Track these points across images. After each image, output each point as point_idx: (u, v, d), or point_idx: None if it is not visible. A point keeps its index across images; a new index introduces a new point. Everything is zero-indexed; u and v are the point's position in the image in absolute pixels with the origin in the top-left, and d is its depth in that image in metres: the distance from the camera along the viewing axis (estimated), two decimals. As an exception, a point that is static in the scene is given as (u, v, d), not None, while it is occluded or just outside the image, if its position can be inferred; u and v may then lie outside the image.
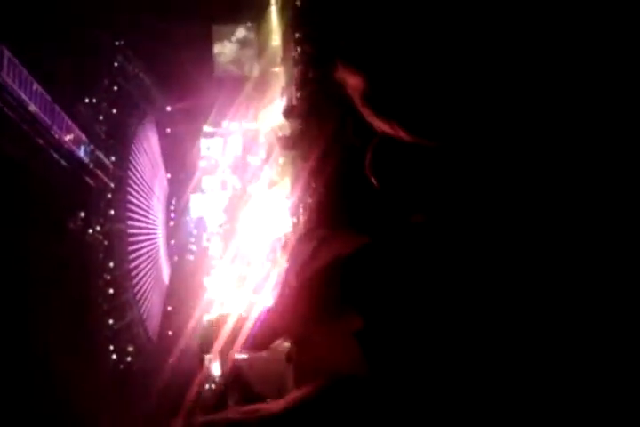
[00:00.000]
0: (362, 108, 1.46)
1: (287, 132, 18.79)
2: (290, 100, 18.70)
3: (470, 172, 1.45)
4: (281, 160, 22.67)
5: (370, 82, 1.40)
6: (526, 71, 1.36)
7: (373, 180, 1.53)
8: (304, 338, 1.80)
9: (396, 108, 1.41)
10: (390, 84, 1.40)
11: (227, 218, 29.58)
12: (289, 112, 16.40)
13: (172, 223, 32.91)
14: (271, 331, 1.79)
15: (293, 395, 1.40)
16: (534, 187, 1.38)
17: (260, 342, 1.82)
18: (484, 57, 1.35)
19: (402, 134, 1.42)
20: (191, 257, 31.36)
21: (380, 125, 1.46)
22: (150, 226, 31.05)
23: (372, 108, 1.43)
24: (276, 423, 1.33)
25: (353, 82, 1.43)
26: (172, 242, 32.70)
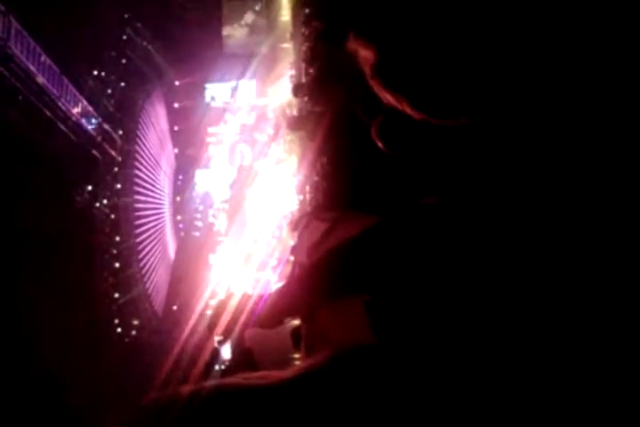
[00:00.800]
0: (371, 81, 1.46)
1: (295, 109, 18.74)
2: (299, 76, 18.61)
3: (476, 151, 1.43)
4: (288, 137, 22.63)
5: (381, 54, 1.40)
6: (534, 55, 1.33)
7: (380, 144, 1.55)
8: (312, 316, 1.82)
9: (404, 83, 1.40)
10: (401, 58, 1.38)
11: (232, 194, 29.63)
12: (298, 89, 16.31)
13: (178, 198, 32.95)
14: (282, 310, 1.79)
15: (301, 364, 1.42)
16: (539, 171, 1.36)
17: (270, 320, 1.82)
18: (494, 38, 1.32)
19: (408, 109, 1.41)
20: (197, 233, 31.45)
21: (389, 99, 1.45)
22: (157, 201, 31.11)
23: (382, 81, 1.42)
24: (284, 390, 1.34)
25: (364, 54, 1.43)
26: (179, 217, 32.78)
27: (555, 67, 1.33)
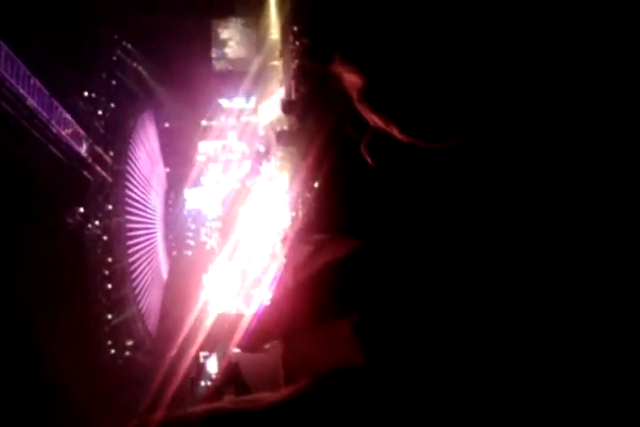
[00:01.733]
0: (358, 104, 1.46)
1: (285, 126, 18.78)
2: (289, 94, 18.67)
3: (462, 173, 1.44)
4: (280, 154, 22.65)
5: (367, 79, 1.40)
6: (521, 79, 1.34)
7: (369, 161, 1.54)
8: (295, 341, 1.81)
9: (391, 107, 1.40)
10: (387, 83, 1.39)
11: (225, 212, 29.57)
12: (288, 107, 16.35)
13: (170, 218, 32.88)
14: (265, 331, 1.78)
15: (289, 389, 1.40)
16: (528, 190, 1.36)
17: (253, 342, 1.81)
18: (480, 60, 1.33)
19: (396, 133, 1.41)
20: (189, 252, 31.32)
21: (376, 122, 1.45)
22: (149, 220, 31.03)
23: (369, 105, 1.43)
24: (272, 414, 1.33)
25: (350, 78, 1.43)
26: (171, 237, 32.68)
27: (537, 98, 1.34)
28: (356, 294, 1.55)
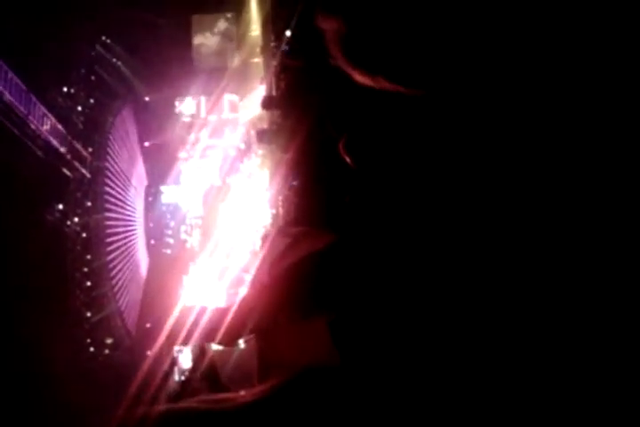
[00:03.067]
0: (339, 58, 1.44)
1: (266, 123, 18.74)
2: (269, 90, 18.62)
3: (441, 164, 1.43)
4: (260, 151, 22.61)
5: (348, 28, 1.38)
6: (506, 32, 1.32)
7: (347, 159, 1.54)
8: (269, 333, 1.79)
9: (375, 56, 1.38)
10: (368, 32, 1.37)
11: (205, 209, 29.48)
12: (268, 103, 16.28)
13: (149, 215, 32.71)
14: (240, 326, 1.76)
15: (260, 387, 1.39)
16: (519, 183, 1.35)
17: (229, 336, 1.79)
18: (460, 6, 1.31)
19: (383, 83, 1.39)
20: (168, 251, 31.17)
21: (358, 77, 1.44)
22: (128, 217, 30.86)
23: (351, 57, 1.42)
24: (241, 414, 1.32)
25: (331, 27, 1.41)
26: (150, 234, 32.50)
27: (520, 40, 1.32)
28: (331, 289, 1.54)
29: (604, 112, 1.32)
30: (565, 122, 1.34)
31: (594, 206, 1.33)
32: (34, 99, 22.69)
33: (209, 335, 2.15)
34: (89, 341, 25.67)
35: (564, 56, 1.31)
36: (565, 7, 1.32)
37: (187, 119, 31.06)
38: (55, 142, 24.41)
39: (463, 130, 1.42)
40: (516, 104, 1.37)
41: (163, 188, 31.90)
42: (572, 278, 1.31)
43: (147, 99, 31.45)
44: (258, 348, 1.87)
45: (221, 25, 30.27)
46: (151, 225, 32.52)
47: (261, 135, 18.88)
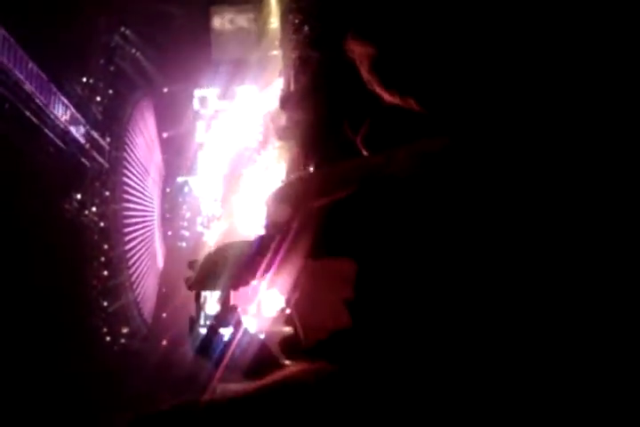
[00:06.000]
0: (370, 80, 1.47)
1: (283, 117, 18.70)
2: (287, 85, 18.57)
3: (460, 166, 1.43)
4: (277, 144, 22.60)
5: (380, 52, 1.41)
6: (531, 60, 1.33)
7: (365, 153, 1.56)
8: (296, 304, 1.82)
9: (405, 79, 1.41)
10: (399, 56, 1.40)
11: (222, 201, 29.53)
12: (285, 101, 16.22)
13: (166, 206, 32.83)
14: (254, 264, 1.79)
15: (256, 383, 1.42)
16: (536, 178, 1.35)
17: (243, 275, 1.83)
18: (489, 33, 1.33)
19: (412, 105, 1.42)
20: (183, 244, 31.24)
21: (387, 97, 1.46)
22: (146, 208, 30.99)
23: (381, 78, 1.44)
24: (240, 407, 1.34)
25: (362, 51, 1.44)
26: (167, 225, 32.62)
27: (548, 68, 1.33)
28: (349, 236, 1.56)
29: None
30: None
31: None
32: (54, 89, 22.82)
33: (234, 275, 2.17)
34: (105, 330, 25.84)
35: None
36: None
37: (205, 110, 31.10)
38: (74, 132, 24.56)
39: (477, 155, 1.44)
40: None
41: (180, 178, 31.99)
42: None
43: (165, 90, 31.51)
44: (294, 310, 1.90)
45: (240, 16, 30.22)
46: (168, 216, 32.64)
47: (279, 131, 18.90)
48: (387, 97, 1.50)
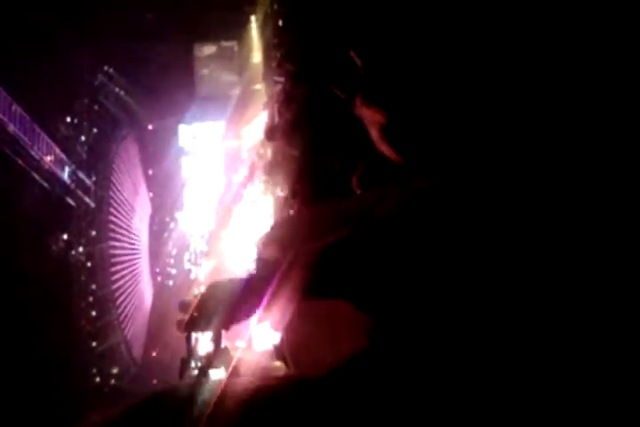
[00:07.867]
0: (380, 142, 1.52)
1: (269, 151, 18.81)
2: (271, 118, 18.73)
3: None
4: (263, 178, 22.68)
5: (390, 118, 1.48)
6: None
7: (358, 191, 1.62)
8: (293, 327, 1.81)
9: (415, 148, 1.47)
10: (410, 122, 1.45)
11: (209, 237, 29.50)
12: (271, 133, 16.37)
13: (153, 243, 32.72)
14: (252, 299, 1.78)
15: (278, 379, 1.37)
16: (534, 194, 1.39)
17: (244, 313, 1.81)
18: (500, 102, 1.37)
19: (420, 167, 1.46)
20: (170, 282, 31.06)
21: (394, 156, 1.54)
22: (132, 246, 30.87)
23: (393, 145, 1.52)
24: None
25: (373, 117, 1.51)
26: (155, 262, 32.47)
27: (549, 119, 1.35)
28: (348, 275, 1.55)
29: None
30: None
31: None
32: (38, 129, 22.86)
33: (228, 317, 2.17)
34: (95, 371, 25.56)
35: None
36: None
37: (189, 146, 31.23)
38: (59, 172, 24.54)
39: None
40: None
41: (166, 215, 31.96)
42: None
43: (150, 126, 31.67)
44: (284, 341, 1.93)
45: (223, 53, 30.57)
46: (154, 253, 32.49)
47: (266, 167, 19.04)
48: (394, 157, 1.54)
